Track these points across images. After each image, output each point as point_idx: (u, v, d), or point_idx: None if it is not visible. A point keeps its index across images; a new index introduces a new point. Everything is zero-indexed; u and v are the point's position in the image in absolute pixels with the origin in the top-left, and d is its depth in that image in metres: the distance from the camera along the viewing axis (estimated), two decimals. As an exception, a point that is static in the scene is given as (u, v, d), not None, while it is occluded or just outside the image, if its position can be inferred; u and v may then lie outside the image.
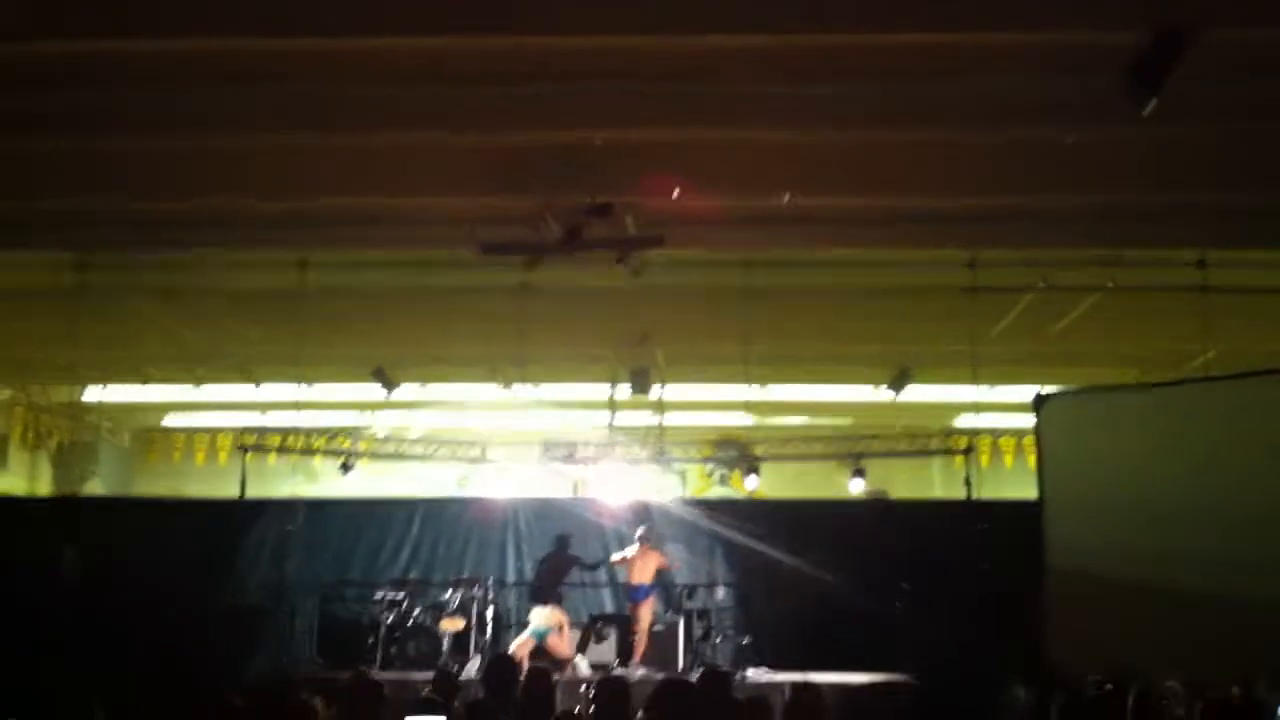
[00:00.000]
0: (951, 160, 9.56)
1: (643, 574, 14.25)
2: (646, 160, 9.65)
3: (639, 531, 14.55)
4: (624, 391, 18.01)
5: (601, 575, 15.83)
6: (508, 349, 15.89)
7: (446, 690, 7.57)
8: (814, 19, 7.20)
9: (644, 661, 13.96)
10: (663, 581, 14.64)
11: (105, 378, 18.67)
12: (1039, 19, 6.98)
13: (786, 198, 9.00)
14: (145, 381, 19.06)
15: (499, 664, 7.23)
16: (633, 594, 14.34)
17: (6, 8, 7.01)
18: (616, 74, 8.27)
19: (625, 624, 14.56)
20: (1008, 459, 21.84)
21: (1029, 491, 13.89)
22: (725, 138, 9.21)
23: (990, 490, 18.37)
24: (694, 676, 7.72)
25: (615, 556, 14.70)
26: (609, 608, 15.68)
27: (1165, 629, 11.54)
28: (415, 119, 8.87)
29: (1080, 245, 11.77)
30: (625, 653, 14.26)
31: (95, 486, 21.61)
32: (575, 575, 15.08)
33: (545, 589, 14.23)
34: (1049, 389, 13.63)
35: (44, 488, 21.67)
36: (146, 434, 24.02)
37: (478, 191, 10.39)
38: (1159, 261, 12.73)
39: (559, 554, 14.60)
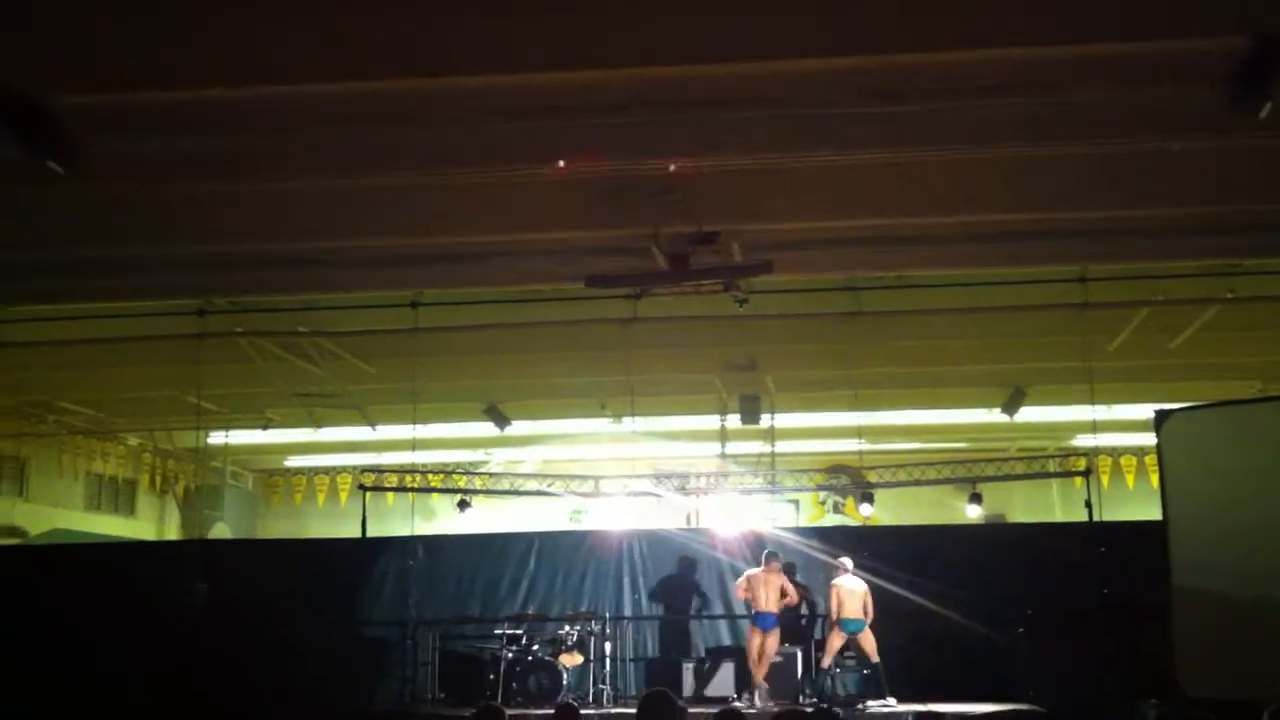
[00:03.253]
0: (1057, 175, 9.42)
1: (769, 600, 14.11)
2: (749, 186, 9.66)
3: (765, 552, 14.47)
4: (734, 420, 18.01)
5: (717, 607, 15.82)
6: (617, 379, 15.98)
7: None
8: (907, 38, 7.18)
9: (764, 694, 13.87)
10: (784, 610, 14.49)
11: (228, 422, 19.15)
12: (1139, 28, 6.87)
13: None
14: (267, 425, 19.55)
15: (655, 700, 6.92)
16: (759, 621, 14.12)
17: (132, 57, 7.28)
18: (713, 101, 8.30)
19: (740, 655, 14.52)
20: (1129, 478, 21.41)
21: (1152, 512, 13.56)
22: (826, 160, 9.19)
23: (1112, 511, 17.99)
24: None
25: (740, 581, 14.55)
26: (726, 640, 15.67)
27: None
28: (518, 152, 8.98)
29: (1193, 257, 11.53)
30: (744, 683, 14.20)
31: (221, 529, 22.14)
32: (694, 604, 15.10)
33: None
34: (1169, 405, 13.29)
35: (172, 531, 22.27)
36: (269, 477, 24.62)
37: (582, 224, 10.49)
38: (1276, 271, 12.41)
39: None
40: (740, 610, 15.12)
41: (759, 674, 13.90)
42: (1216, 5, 6.78)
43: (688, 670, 14.88)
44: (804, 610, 15.14)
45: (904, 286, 13.13)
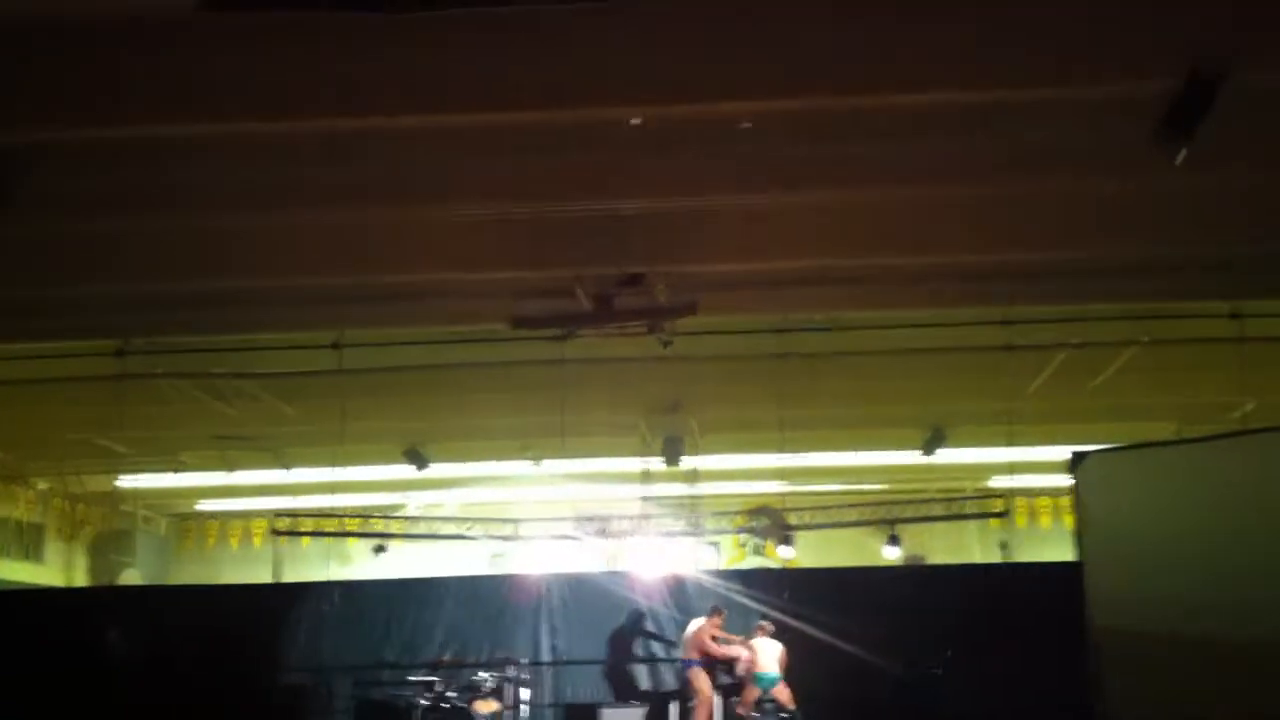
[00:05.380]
0: (983, 217, 9.55)
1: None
2: (676, 228, 9.67)
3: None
4: (657, 462, 17.95)
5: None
6: (539, 421, 15.87)
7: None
8: (841, 81, 7.22)
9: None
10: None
11: (140, 465, 18.72)
12: (1070, 71, 6.98)
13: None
14: (179, 468, 19.14)
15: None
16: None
17: (51, 94, 7.11)
18: (643, 144, 8.30)
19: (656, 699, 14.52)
20: (1044, 520, 21.65)
21: (1067, 553, 13.72)
22: (755, 202, 9.22)
23: (1028, 552, 18.21)
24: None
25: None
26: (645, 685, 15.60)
27: (1214, 684, 11.36)
28: (444, 193, 8.92)
29: (1114, 300, 11.72)
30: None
31: (132, 575, 21.60)
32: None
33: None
34: (1086, 448, 13.48)
35: (80, 578, 21.67)
36: (181, 521, 24.09)
37: (508, 265, 10.43)
38: (1194, 314, 12.67)
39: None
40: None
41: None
42: (1146, 50, 6.89)
43: (605, 716, 14.72)
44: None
45: (830, 328, 13.21)
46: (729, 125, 7.98)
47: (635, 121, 7.77)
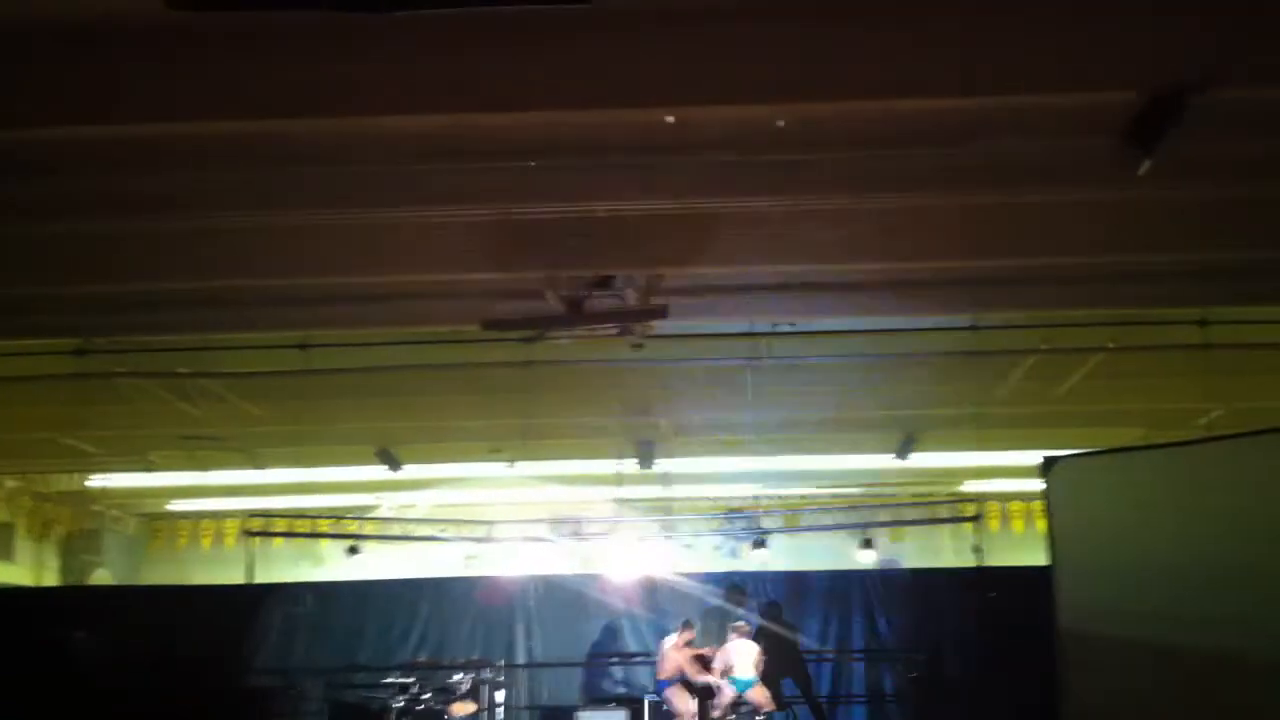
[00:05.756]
0: (951, 225, 9.56)
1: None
2: (648, 232, 9.66)
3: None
4: (630, 465, 17.96)
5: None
6: (512, 423, 15.85)
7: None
8: (810, 88, 7.23)
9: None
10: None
11: (109, 465, 18.61)
12: (1037, 82, 7.00)
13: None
14: (149, 468, 19.04)
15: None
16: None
17: (9, 95, 7.06)
18: (617, 147, 8.29)
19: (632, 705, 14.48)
20: (1017, 524, 21.74)
21: (1040, 557, 13.78)
22: (727, 208, 9.22)
23: (1001, 557, 18.26)
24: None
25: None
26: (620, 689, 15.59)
27: (1179, 690, 11.41)
28: (414, 195, 8.88)
29: (1081, 307, 11.76)
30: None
31: (102, 575, 21.49)
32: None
33: None
34: (1057, 452, 13.54)
35: (50, 577, 21.56)
36: (152, 521, 23.96)
37: (480, 267, 10.39)
38: (1161, 321, 12.73)
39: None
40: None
41: None
42: (1113, 63, 6.91)
43: (581, 719, 14.70)
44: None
45: (802, 333, 13.23)
46: (702, 129, 7.99)
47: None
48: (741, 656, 13.98)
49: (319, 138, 8.04)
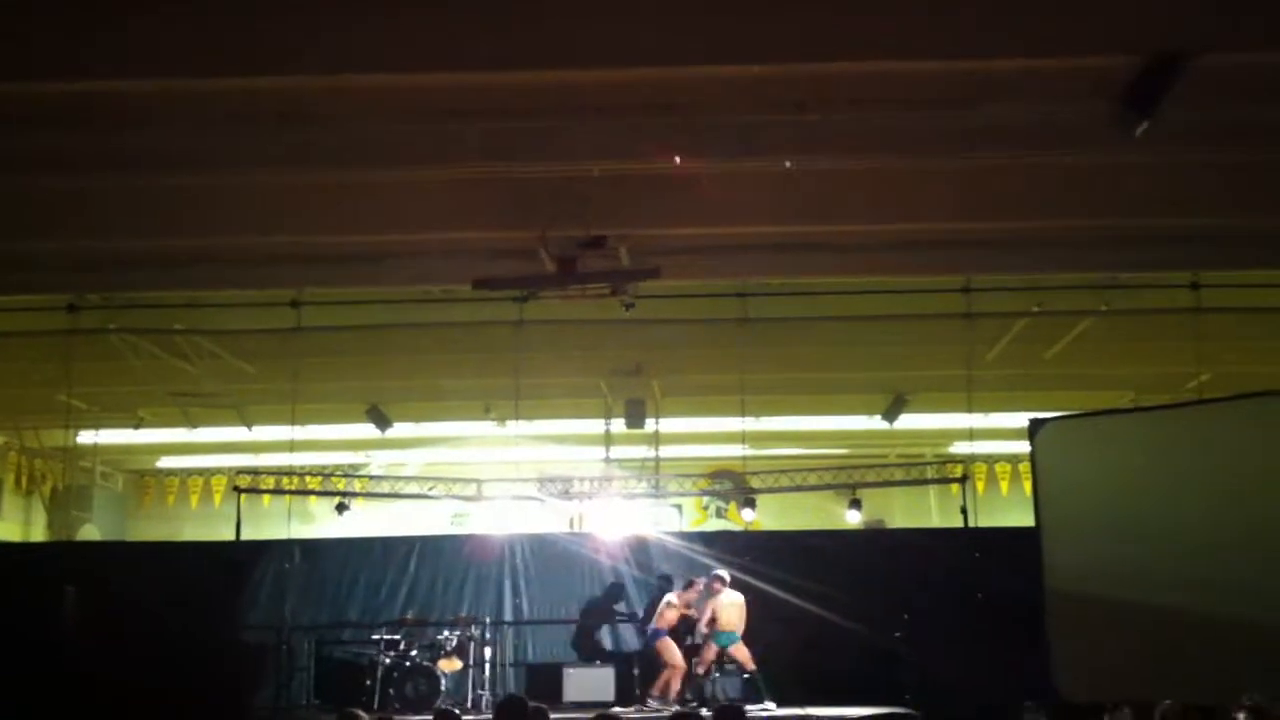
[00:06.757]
0: (945, 186, 9.58)
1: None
2: (642, 192, 9.65)
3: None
4: (619, 425, 17.98)
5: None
6: (502, 383, 15.85)
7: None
8: (809, 48, 7.22)
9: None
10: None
11: (99, 421, 18.59)
12: (1035, 45, 7.00)
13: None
14: (139, 424, 19.02)
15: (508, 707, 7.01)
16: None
17: (8, 48, 7.02)
18: (611, 107, 8.27)
19: (620, 660, 14.60)
20: (1004, 485, 21.85)
21: (1026, 518, 13.86)
22: (721, 168, 9.21)
23: (987, 518, 18.35)
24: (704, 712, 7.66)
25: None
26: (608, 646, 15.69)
27: (1165, 650, 11.53)
28: (409, 154, 8.86)
29: (1074, 270, 11.79)
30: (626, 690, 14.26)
31: (90, 531, 21.48)
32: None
33: None
34: (1044, 414, 13.60)
35: (38, 533, 21.54)
36: (140, 477, 23.94)
37: (471, 226, 10.39)
38: (1152, 285, 12.78)
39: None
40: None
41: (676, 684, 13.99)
42: (1110, 27, 6.91)
43: (569, 675, 14.77)
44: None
45: (792, 293, 13.25)
46: (694, 91, 7.98)
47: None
48: (727, 611, 14.01)
49: (314, 96, 8.01)
